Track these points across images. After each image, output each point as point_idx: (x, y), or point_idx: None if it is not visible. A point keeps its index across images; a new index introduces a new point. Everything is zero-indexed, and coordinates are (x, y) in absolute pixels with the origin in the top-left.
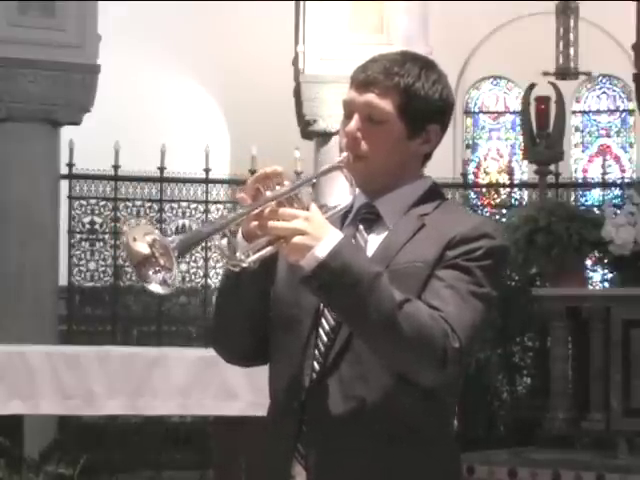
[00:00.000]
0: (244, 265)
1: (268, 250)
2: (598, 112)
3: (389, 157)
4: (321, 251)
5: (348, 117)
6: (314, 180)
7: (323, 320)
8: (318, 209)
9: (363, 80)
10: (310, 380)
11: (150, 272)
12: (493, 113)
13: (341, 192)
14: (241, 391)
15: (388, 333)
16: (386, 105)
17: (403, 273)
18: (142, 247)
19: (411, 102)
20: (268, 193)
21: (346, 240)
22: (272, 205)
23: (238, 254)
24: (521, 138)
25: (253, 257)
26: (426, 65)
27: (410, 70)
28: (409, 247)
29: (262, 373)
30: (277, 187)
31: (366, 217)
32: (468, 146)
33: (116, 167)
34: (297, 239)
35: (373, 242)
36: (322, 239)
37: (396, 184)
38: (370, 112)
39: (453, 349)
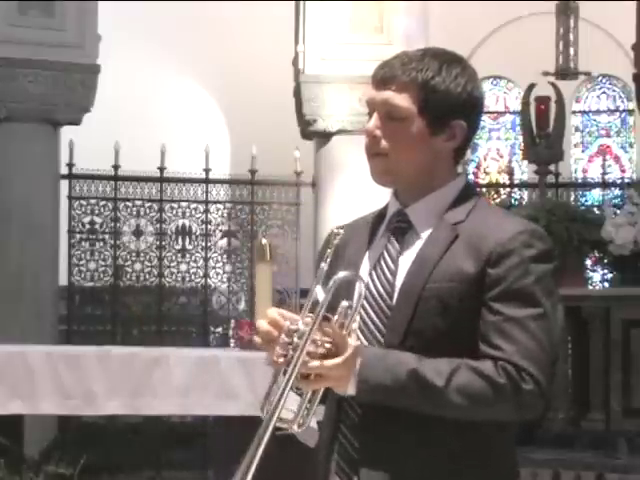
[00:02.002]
0: (302, 428)
1: (316, 400)
2: (598, 112)
3: (410, 154)
4: (352, 388)
5: (370, 115)
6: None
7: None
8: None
9: (381, 77)
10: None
11: None
12: (493, 113)
13: (342, 192)
14: (241, 391)
15: (449, 412)
16: (404, 101)
17: (442, 294)
18: None
19: (431, 97)
20: (290, 350)
21: (369, 362)
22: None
23: (292, 415)
24: (521, 138)
25: (307, 420)
26: (448, 60)
27: (429, 64)
28: (445, 262)
29: (262, 373)
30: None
31: (398, 226)
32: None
33: (116, 167)
34: (333, 385)
35: (406, 256)
36: (347, 380)
37: (427, 186)
38: (389, 109)
39: (526, 391)
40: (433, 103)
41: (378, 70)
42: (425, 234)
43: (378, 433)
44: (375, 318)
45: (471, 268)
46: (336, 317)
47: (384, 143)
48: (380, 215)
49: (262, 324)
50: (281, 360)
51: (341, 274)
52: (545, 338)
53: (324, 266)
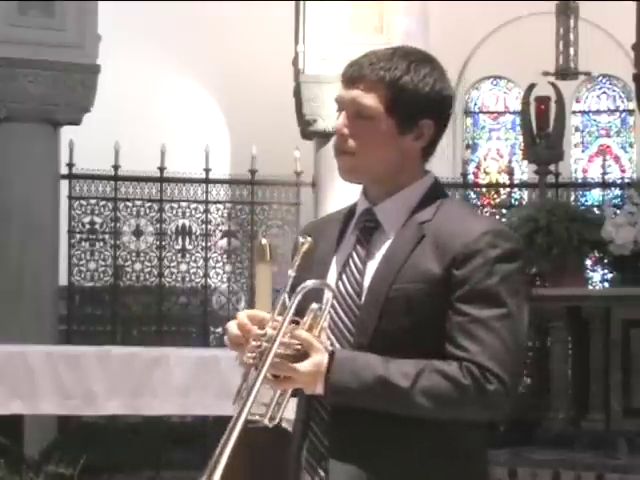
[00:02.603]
0: (274, 422)
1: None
2: (598, 112)
3: (377, 153)
4: (320, 389)
5: (339, 114)
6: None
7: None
8: (308, 338)
9: (350, 76)
10: None
11: None
12: (493, 113)
13: (341, 192)
14: None
15: (415, 413)
16: (372, 100)
17: (408, 294)
18: None
19: (399, 96)
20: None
21: (336, 366)
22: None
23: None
24: (521, 138)
25: (278, 415)
26: (418, 59)
27: (398, 64)
28: (411, 262)
29: None
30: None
31: (366, 225)
32: (468, 146)
33: (116, 167)
34: (302, 386)
35: (374, 256)
36: (315, 382)
37: (395, 184)
38: (357, 108)
39: (491, 391)
40: (401, 102)
41: (347, 69)
42: (393, 233)
43: (347, 431)
44: (344, 317)
45: (437, 269)
46: (305, 319)
47: (351, 141)
48: (350, 212)
49: (231, 327)
50: (251, 362)
51: (309, 283)
52: (510, 338)
53: (292, 273)
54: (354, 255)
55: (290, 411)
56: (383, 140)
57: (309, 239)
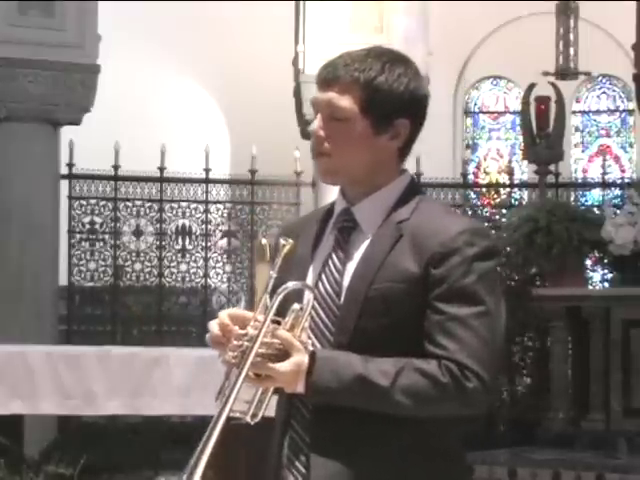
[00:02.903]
0: (255, 420)
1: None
2: (598, 112)
3: (353, 154)
4: (300, 388)
5: (315, 116)
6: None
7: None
8: (287, 337)
9: (324, 78)
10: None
11: None
12: (493, 113)
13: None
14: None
15: (395, 411)
16: (347, 102)
17: (387, 293)
18: None
19: (374, 97)
20: (247, 341)
21: (316, 365)
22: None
23: (245, 405)
24: (521, 138)
25: (260, 413)
26: (391, 59)
27: (372, 64)
28: (390, 261)
29: None
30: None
31: (344, 225)
32: (468, 146)
33: (116, 167)
34: (283, 385)
35: (353, 256)
36: (296, 381)
37: (372, 184)
38: (332, 110)
39: (470, 389)
40: (376, 103)
41: (322, 70)
42: (371, 233)
43: (328, 429)
44: (324, 317)
45: (415, 268)
46: (287, 319)
47: (328, 144)
48: (328, 212)
49: (213, 327)
50: (233, 362)
51: (290, 284)
52: (488, 335)
53: (273, 274)
54: (333, 255)
55: (272, 409)
56: (359, 141)
57: (290, 241)
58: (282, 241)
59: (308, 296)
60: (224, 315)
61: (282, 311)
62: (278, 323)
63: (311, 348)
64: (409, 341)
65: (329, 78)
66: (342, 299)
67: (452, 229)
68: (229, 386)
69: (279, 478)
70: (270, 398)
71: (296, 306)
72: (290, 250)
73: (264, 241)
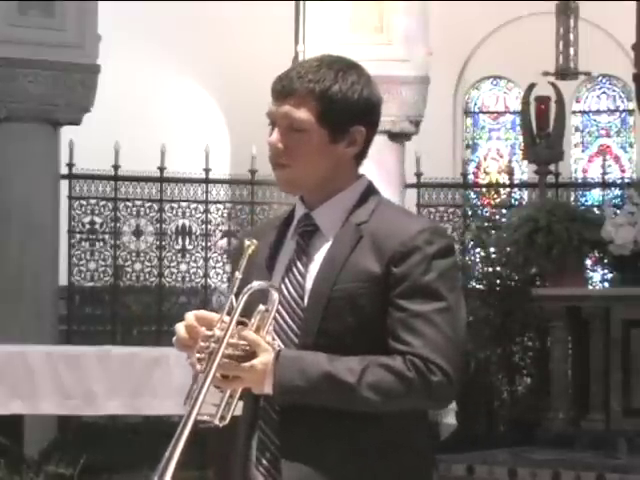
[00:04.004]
0: (224, 422)
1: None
2: (598, 112)
3: (312, 164)
4: (268, 388)
5: (272, 127)
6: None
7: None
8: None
9: (280, 91)
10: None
11: None
12: (493, 113)
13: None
14: None
15: (363, 408)
16: (303, 114)
17: (350, 294)
18: None
19: (329, 107)
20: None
21: (283, 365)
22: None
23: (212, 409)
24: (521, 138)
25: (228, 415)
26: (343, 68)
27: (325, 75)
28: (351, 262)
29: None
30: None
31: (305, 229)
32: (468, 146)
33: (116, 167)
34: (250, 385)
35: (315, 259)
36: (263, 381)
37: (331, 189)
38: (289, 122)
39: (435, 382)
40: (332, 112)
41: (277, 83)
42: (331, 236)
43: (296, 429)
44: (289, 320)
45: (376, 268)
46: (253, 320)
47: (286, 155)
48: (288, 217)
49: (179, 329)
50: (198, 366)
51: (255, 284)
52: (450, 330)
53: (238, 275)
54: (296, 259)
55: (240, 411)
56: (317, 151)
57: (255, 241)
58: (246, 242)
59: (274, 296)
60: (190, 316)
61: (247, 313)
62: (244, 324)
63: (277, 348)
64: (373, 340)
65: (285, 91)
66: (306, 302)
67: (411, 228)
68: (197, 388)
69: (248, 478)
70: (238, 400)
71: (262, 307)
72: (254, 251)
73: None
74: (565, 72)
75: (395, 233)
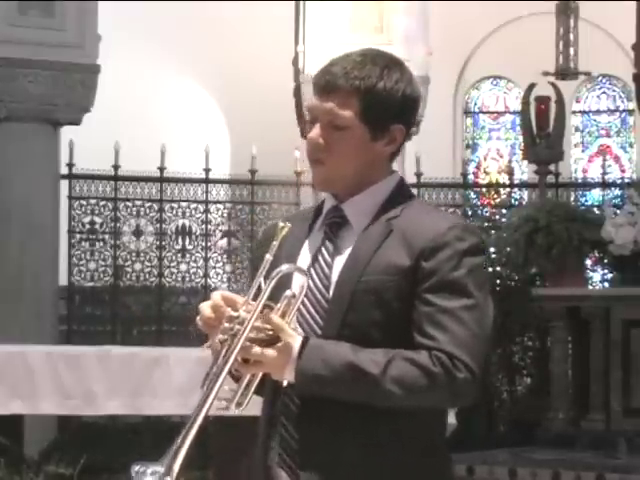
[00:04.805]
0: (240, 409)
1: (254, 385)
2: (598, 112)
3: (351, 161)
4: (289, 375)
5: (312, 122)
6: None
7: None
8: (278, 322)
9: (324, 86)
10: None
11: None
12: (493, 113)
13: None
14: None
15: (385, 401)
16: (347, 111)
17: (376, 286)
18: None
19: (372, 105)
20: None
21: (306, 352)
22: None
23: (230, 397)
24: (521, 138)
25: (245, 401)
26: (388, 64)
27: (371, 72)
28: (379, 255)
29: None
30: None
31: (334, 221)
32: (468, 146)
33: (116, 167)
34: (271, 371)
35: (342, 251)
36: (285, 367)
37: (363, 185)
38: (331, 119)
39: (460, 379)
40: (375, 110)
41: (320, 78)
42: (360, 229)
43: (317, 424)
44: (312, 310)
45: (405, 261)
46: (279, 305)
47: (326, 152)
48: (317, 210)
49: (204, 309)
50: (221, 344)
51: (285, 267)
52: (477, 328)
53: (269, 257)
54: (323, 250)
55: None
56: (356, 149)
57: (289, 224)
58: (281, 223)
59: (302, 281)
60: (217, 296)
61: (273, 297)
62: (270, 308)
63: (301, 336)
64: (397, 335)
65: (329, 87)
66: (331, 293)
67: (442, 224)
68: (216, 371)
69: (270, 475)
70: (256, 387)
71: (289, 292)
72: (287, 234)
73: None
74: (565, 72)
75: (426, 229)
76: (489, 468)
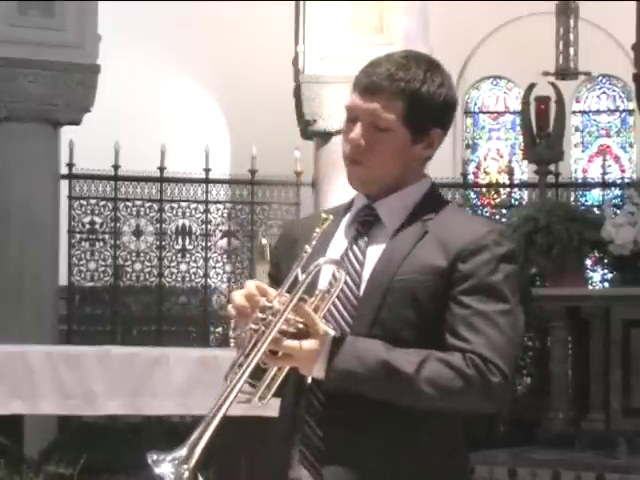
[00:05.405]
0: (263, 402)
1: (280, 377)
2: (598, 112)
3: (390, 164)
4: (318, 372)
5: (351, 121)
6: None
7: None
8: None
9: (368, 86)
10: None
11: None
12: (493, 113)
13: (341, 192)
14: None
15: (417, 402)
16: (391, 113)
17: (411, 286)
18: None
19: (416, 108)
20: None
21: (339, 348)
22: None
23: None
24: (521, 138)
25: (269, 395)
26: (431, 67)
27: (415, 74)
28: (414, 255)
29: None
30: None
31: (366, 219)
32: (468, 146)
33: (116, 167)
34: (300, 365)
35: (373, 248)
36: (315, 363)
37: (398, 186)
38: (374, 120)
39: (493, 383)
40: (417, 114)
41: (363, 78)
42: (393, 228)
43: (342, 422)
44: (341, 308)
45: (441, 262)
46: (313, 299)
47: (366, 153)
48: (347, 209)
49: (237, 297)
50: (251, 333)
51: (322, 260)
52: (511, 333)
53: (308, 249)
54: (353, 247)
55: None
56: (396, 151)
57: (331, 217)
58: (323, 215)
59: (339, 275)
60: (251, 285)
61: (305, 290)
62: (303, 301)
63: (333, 332)
64: (427, 336)
65: (374, 87)
66: (361, 290)
67: (481, 228)
68: (245, 362)
69: (292, 473)
70: (280, 381)
71: (323, 287)
72: (329, 226)
73: (264, 241)
74: (565, 72)
75: (464, 231)
76: (489, 468)
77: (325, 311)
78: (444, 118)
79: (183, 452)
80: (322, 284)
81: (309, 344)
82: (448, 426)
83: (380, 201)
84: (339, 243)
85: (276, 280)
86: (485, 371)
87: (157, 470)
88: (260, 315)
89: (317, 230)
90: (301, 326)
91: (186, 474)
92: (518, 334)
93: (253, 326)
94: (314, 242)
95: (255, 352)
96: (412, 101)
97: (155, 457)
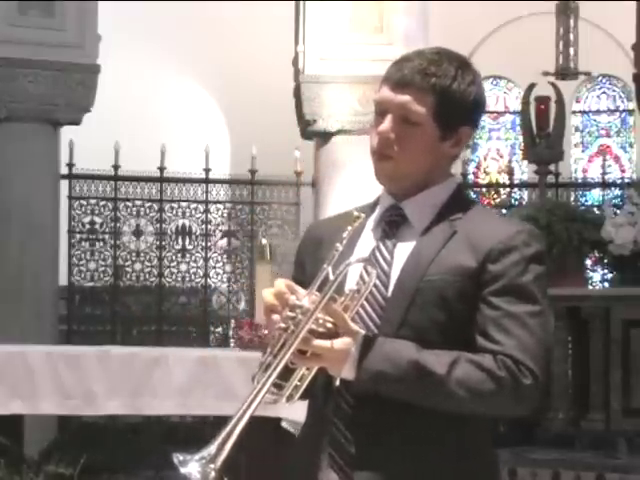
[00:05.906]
0: (291, 402)
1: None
2: (598, 112)
3: (419, 159)
4: (347, 373)
5: (380, 115)
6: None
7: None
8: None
9: (399, 80)
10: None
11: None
12: (493, 113)
13: (341, 192)
14: (241, 391)
15: (448, 404)
16: (422, 107)
17: (440, 286)
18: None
19: (446, 105)
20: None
21: (369, 349)
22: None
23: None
24: (521, 138)
25: (297, 395)
26: (462, 65)
27: (447, 71)
28: (443, 256)
29: None
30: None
31: (393, 219)
32: (468, 146)
33: (116, 167)
34: (329, 366)
35: (401, 249)
36: (344, 363)
37: (425, 185)
38: (404, 113)
39: (525, 385)
40: (447, 110)
41: (394, 72)
42: (420, 228)
43: (371, 425)
44: (369, 308)
45: (470, 263)
46: (342, 299)
47: (395, 147)
48: (372, 207)
49: (267, 295)
50: (280, 332)
51: (353, 259)
52: (542, 335)
53: (339, 247)
54: (381, 246)
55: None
56: (426, 147)
57: (363, 215)
58: (355, 213)
59: (370, 277)
60: (281, 283)
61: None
62: (333, 300)
63: (363, 332)
64: (454, 336)
65: (405, 81)
66: (390, 291)
67: (510, 228)
68: (274, 362)
69: (322, 477)
70: (307, 382)
71: (354, 287)
72: (360, 224)
73: (264, 241)
74: (565, 72)
75: (493, 231)
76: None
77: (354, 310)
78: (473, 116)
79: (211, 450)
80: (349, 284)
81: (339, 344)
82: (477, 428)
83: (407, 200)
84: (366, 243)
85: (300, 282)
86: (517, 373)
87: (183, 470)
88: (290, 314)
89: (349, 228)
90: (330, 326)
91: (212, 474)
92: (549, 335)
93: (282, 325)
94: (344, 241)
95: (284, 351)
96: (442, 97)
97: (181, 458)
